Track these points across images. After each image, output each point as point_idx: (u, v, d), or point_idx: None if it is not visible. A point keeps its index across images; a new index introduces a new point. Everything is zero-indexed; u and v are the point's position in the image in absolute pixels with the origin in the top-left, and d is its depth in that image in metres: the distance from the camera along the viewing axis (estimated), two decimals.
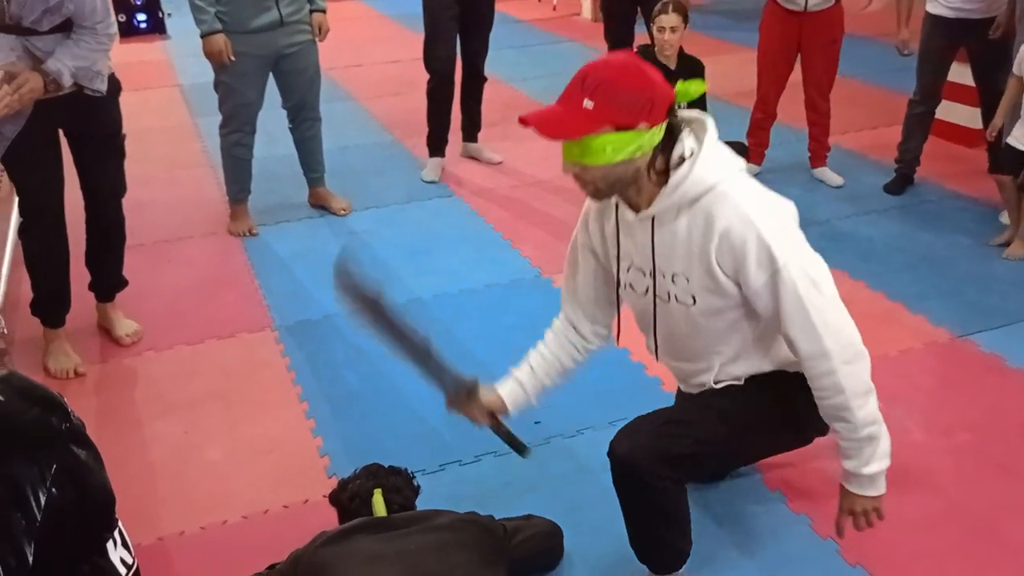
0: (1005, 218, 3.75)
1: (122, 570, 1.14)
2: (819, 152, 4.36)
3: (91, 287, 3.15)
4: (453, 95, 4.45)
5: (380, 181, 4.53)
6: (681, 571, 1.96)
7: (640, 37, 4.44)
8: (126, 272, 3.20)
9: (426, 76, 4.38)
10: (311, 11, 3.76)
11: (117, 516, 1.17)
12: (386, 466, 2.09)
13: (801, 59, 4.16)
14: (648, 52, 3.87)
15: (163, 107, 5.90)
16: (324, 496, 2.15)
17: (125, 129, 2.94)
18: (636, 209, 1.74)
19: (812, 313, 1.65)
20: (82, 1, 2.54)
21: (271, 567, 1.93)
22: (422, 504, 2.05)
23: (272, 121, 4.21)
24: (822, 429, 1.93)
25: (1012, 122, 3.49)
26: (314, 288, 3.50)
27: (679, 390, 2.08)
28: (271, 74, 3.79)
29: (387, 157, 4.90)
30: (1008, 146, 3.52)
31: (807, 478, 2.35)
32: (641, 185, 1.68)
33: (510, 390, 1.98)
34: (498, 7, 4.47)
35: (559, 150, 1.67)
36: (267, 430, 2.68)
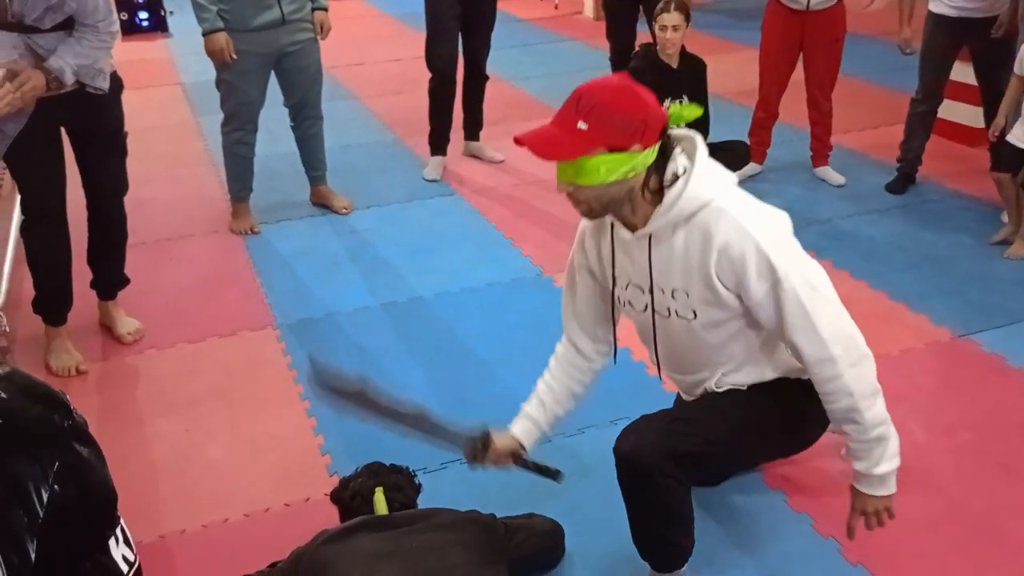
0: (1007, 217, 3.74)
1: (124, 567, 1.15)
2: (821, 151, 4.36)
3: (93, 285, 3.16)
4: (455, 94, 4.45)
5: (382, 180, 4.53)
6: (683, 569, 1.96)
7: (642, 36, 4.43)
8: (128, 270, 3.20)
9: (428, 75, 4.38)
10: (313, 9, 3.76)
11: (119, 513, 1.17)
12: (387, 464, 2.09)
13: (803, 58, 4.15)
14: (650, 51, 3.87)
15: (165, 105, 5.91)
16: (325, 494, 2.15)
17: (127, 127, 2.94)
18: (632, 228, 1.75)
19: (815, 319, 1.66)
20: None
21: (272, 565, 1.94)
22: (424, 503, 2.05)
23: (274, 119, 4.21)
24: (820, 433, 1.95)
25: (1014, 121, 3.49)
26: (315, 286, 3.51)
27: (679, 395, 2.09)
28: (273, 72, 3.79)
29: (389, 156, 4.90)
30: (1008, 144, 3.52)
31: (808, 477, 2.35)
32: (636, 204, 1.71)
33: (523, 427, 2.01)
34: (500, 6, 4.47)
35: None
36: (268, 428, 2.68)
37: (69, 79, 2.60)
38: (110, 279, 3.16)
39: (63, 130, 2.80)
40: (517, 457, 2.00)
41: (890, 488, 1.78)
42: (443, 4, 4.19)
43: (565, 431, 2.54)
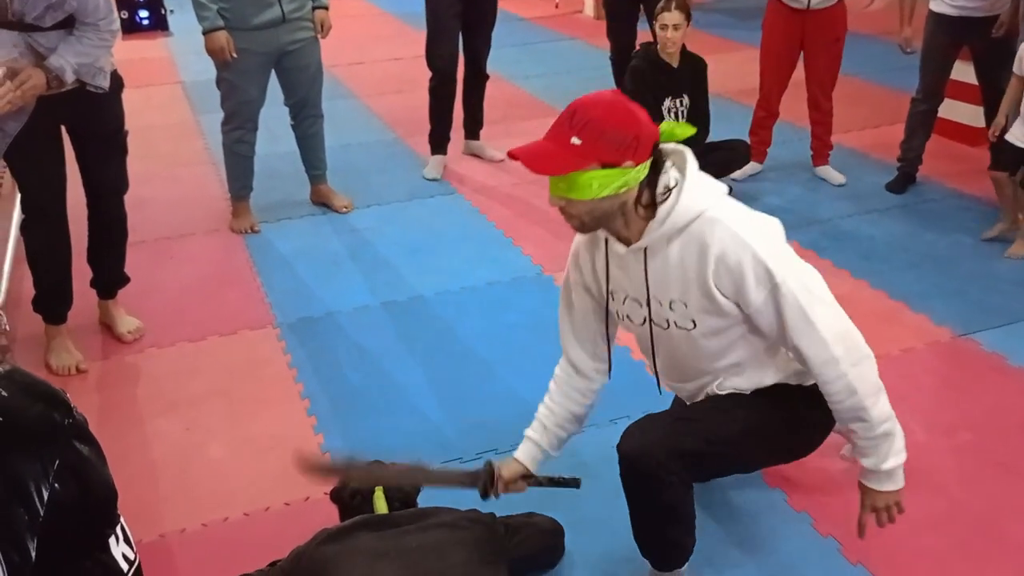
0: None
1: (124, 565, 1.15)
2: (821, 150, 4.35)
3: (93, 284, 3.16)
4: (455, 93, 4.45)
5: (382, 179, 4.53)
6: (683, 568, 1.96)
7: (642, 35, 4.43)
8: (128, 269, 3.20)
9: (428, 74, 4.38)
10: (313, 8, 3.76)
11: (119, 512, 1.17)
12: (387, 463, 2.09)
13: (804, 57, 4.15)
14: (650, 50, 3.87)
15: (165, 104, 5.90)
16: (325, 493, 2.15)
17: (127, 126, 2.94)
18: (625, 242, 1.77)
19: (816, 322, 1.68)
20: None
21: (272, 564, 1.93)
22: (423, 502, 2.05)
23: (274, 118, 4.20)
24: (822, 439, 1.96)
25: (1014, 120, 3.49)
26: (316, 285, 3.50)
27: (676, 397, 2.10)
28: (273, 71, 3.79)
29: (389, 155, 4.90)
30: (1007, 143, 3.52)
31: (808, 476, 2.35)
32: (629, 219, 1.72)
33: (526, 452, 2.03)
34: (500, 5, 4.47)
35: None
36: (269, 427, 2.68)
37: (69, 77, 2.59)
38: (110, 278, 3.16)
39: (63, 129, 2.80)
40: (528, 479, 2.03)
41: (898, 483, 1.80)
42: (444, 3, 4.19)
43: None
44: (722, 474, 2.09)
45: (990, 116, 3.75)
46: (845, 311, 1.76)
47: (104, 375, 2.98)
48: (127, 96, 2.91)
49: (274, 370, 2.97)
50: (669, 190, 1.70)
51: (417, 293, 3.41)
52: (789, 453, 2.00)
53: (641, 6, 4.58)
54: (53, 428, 1.05)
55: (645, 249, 1.75)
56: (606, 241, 1.81)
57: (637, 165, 1.64)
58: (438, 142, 4.52)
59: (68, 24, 2.58)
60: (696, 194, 1.70)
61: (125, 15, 7.58)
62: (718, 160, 4.05)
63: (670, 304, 1.78)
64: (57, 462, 1.03)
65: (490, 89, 4.62)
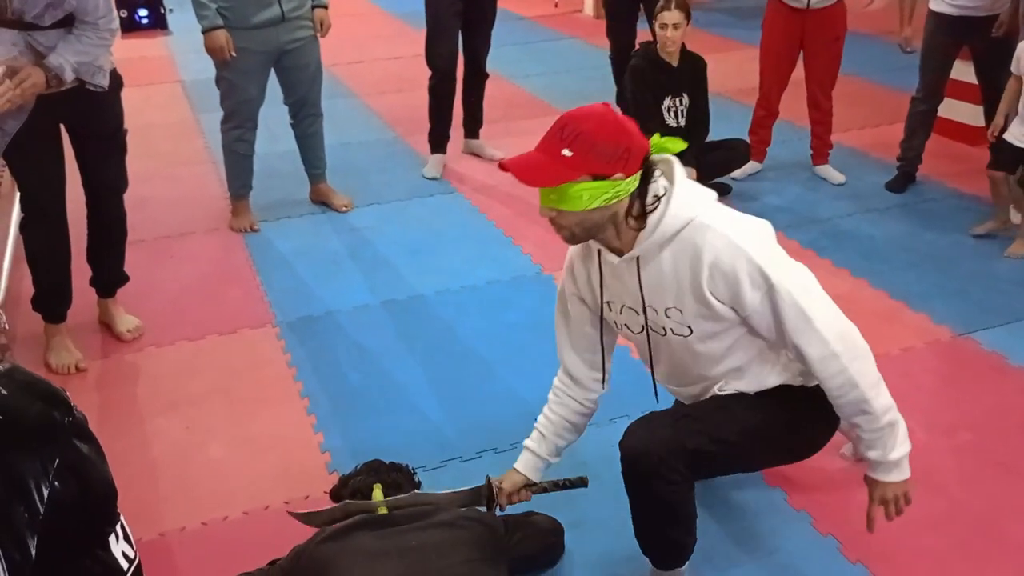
0: (1011, 216, 3.74)
1: (124, 564, 1.15)
2: (821, 150, 4.35)
3: (92, 283, 3.15)
4: (455, 92, 4.44)
5: (382, 178, 4.53)
6: (684, 567, 1.96)
7: (642, 34, 4.43)
8: (127, 268, 3.20)
9: (428, 73, 4.38)
10: (313, 7, 3.75)
11: (119, 510, 1.17)
12: (387, 462, 2.09)
13: (803, 57, 4.15)
14: (650, 49, 3.87)
15: (165, 103, 5.90)
16: (325, 492, 2.16)
17: (127, 125, 2.94)
18: (617, 253, 1.78)
19: (814, 319, 1.70)
20: None
21: (272, 563, 1.94)
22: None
23: (274, 117, 4.20)
24: (825, 439, 1.96)
25: (1012, 120, 3.49)
26: (315, 284, 3.50)
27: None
28: (273, 70, 3.79)
29: (389, 154, 4.90)
30: (1006, 143, 3.52)
31: (807, 475, 2.35)
32: (620, 229, 1.74)
33: (525, 462, 2.07)
34: (500, 4, 4.46)
35: None
36: (268, 426, 2.68)
37: (69, 76, 2.59)
38: (110, 277, 3.16)
39: (63, 127, 2.80)
40: (532, 487, 2.06)
41: (905, 472, 1.80)
42: (443, 2, 4.19)
43: None
44: (724, 473, 2.10)
45: (990, 115, 3.75)
46: (845, 311, 1.77)
47: (104, 374, 2.98)
48: (126, 95, 2.91)
49: (274, 369, 2.96)
50: (658, 199, 1.72)
51: (417, 292, 3.41)
52: (792, 453, 2.01)
53: (641, 5, 4.57)
54: (53, 426, 1.05)
55: (638, 258, 1.77)
56: (599, 252, 1.82)
57: (627, 177, 1.66)
58: (438, 141, 4.52)
59: (67, 23, 2.58)
60: (685, 201, 1.72)
61: (124, 14, 7.57)
62: (718, 159, 4.07)
63: (666, 311, 1.80)
64: (57, 460, 1.03)
65: (490, 88, 4.62)
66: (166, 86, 6.30)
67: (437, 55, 4.30)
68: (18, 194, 2.91)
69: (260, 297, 3.42)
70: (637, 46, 4.16)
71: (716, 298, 1.73)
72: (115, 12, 2.71)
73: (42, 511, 1.01)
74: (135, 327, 3.17)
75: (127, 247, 3.16)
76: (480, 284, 3.46)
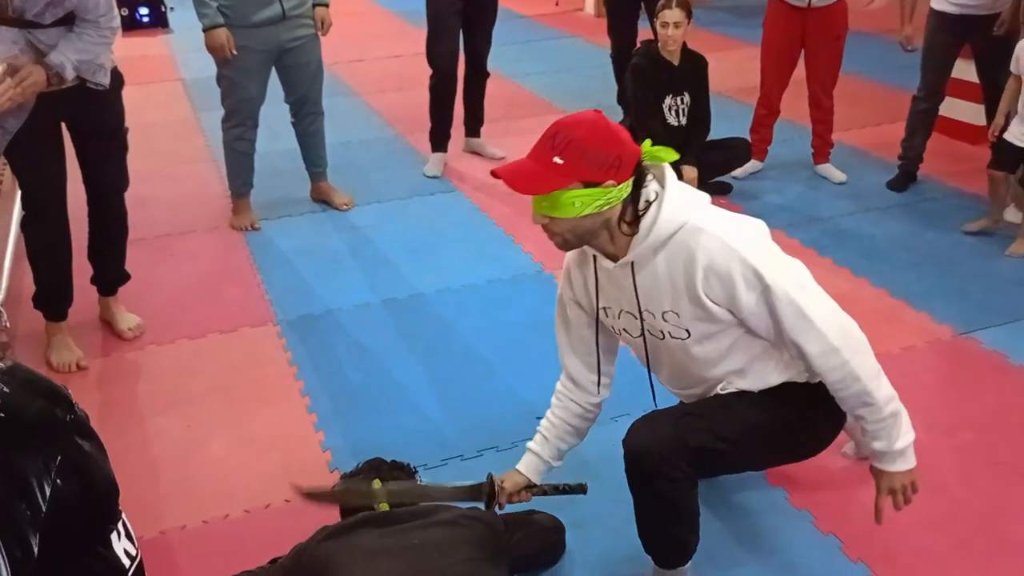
0: (1011, 214, 3.74)
1: (125, 561, 1.15)
2: (822, 149, 4.35)
3: (93, 281, 3.15)
4: (456, 90, 4.44)
5: (382, 176, 4.53)
6: (686, 566, 1.96)
7: (643, 33, 4.43)
8: (128, 266, 3.20)
9: (429, 71, 4.37)
10: (313, 5, 3.75)
11: (120, 508, 1.17)
12: (388, 461, 2.09)
13: (805, 55, 4.15)
14: (651, 48, 3.87)
15: (165, 101, 5.90)
16: None
17: (127, 123, 2.93)
18: (612, 258, 1.79)
19: (811, 315, 1.70)
20: None
21: (273, 561, 1.94)
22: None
23: (274, 116, 4.20)
24: (830, 438, 1.97)
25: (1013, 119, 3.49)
26: (316, 283, 3.50)
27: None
28: (273, 68, 3.79)
29: (389, 152, 4.90)
30: (1006, 142, 3.52)
31: (809, 474, 2.35)
32: (614, 236, 1.75)
33: (528, 463, 2.07)
34: (501, 2, 4.46)
35: None
36: (269, 425, 2.68)
37: (70, 75, 2.59)
38: (111, 275, 3.16)
39: (64, 126, 2.79)
40: (532, 489, 2.07)
41: (911, 461, 1.81)
42: (444, 1, 4.19)
43: None
44: (728, 471, 2.10)
45: (991, 114, 3.75)
46: (845, 310, 1.77)
47: (104, 372, 2.98)
48: (127, 93, 2.91)
49: (274, 368, 2.96)
50: (650, 204, 1.73)
51: (417, 291, 3.41)
52: (797, 451, 2.00)
53: (642, 4, 4.57)
54: (55, 424, 1.05)
55: (632, 263, 1.77)
56: (594, 258, 1.83)
57: (619, 184, 1.67)
58: (438, 140, 4.52)
59: (68, 21, 2.58)
60: (677, 205, 1.72)
61: (125, 12, 7.57)
62: (719, 158, 4.06)
63: (663, 315, 1.80)
64: (59, 458, 1.03)
65: (490, 87, 4.62)
66: (167, 84, 6.30)
67: (438, 54, 4.30)
68: (19, 192, 2.90)
69: (261, 295, 3.42)
70: (638, 45, 4.16)
71: (712, 300, 1.73)
72: (116, 10, 2.70)
73: (44, 508, 1.01)
74: (136, 325, 3.17)
75: (128, 245, 3.16)
76: (481, 283, 3.46)
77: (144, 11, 7.86)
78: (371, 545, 1.77)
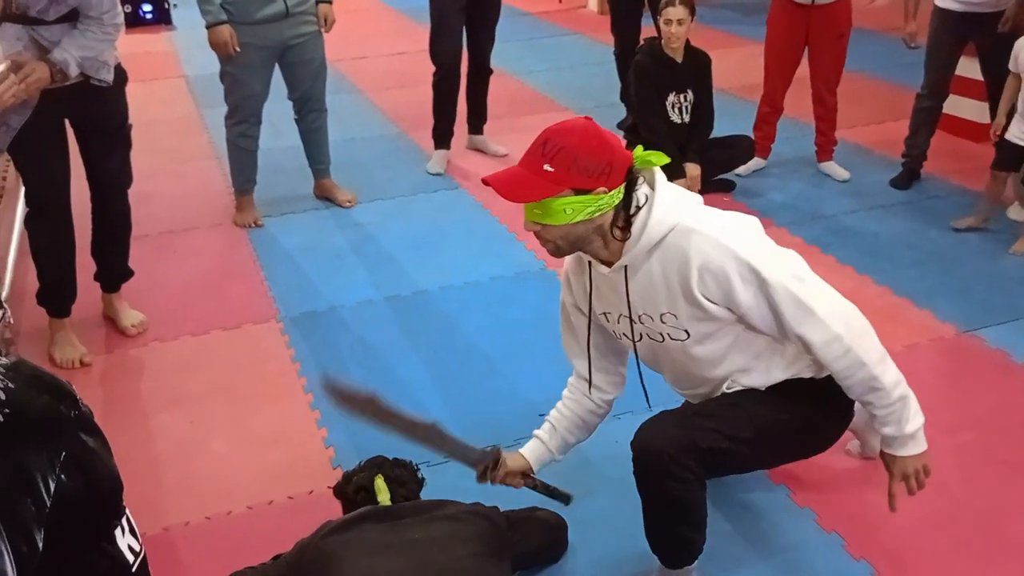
0: (1013, 213, 3.74)
1: (129, 557, 1.15)
2: (825, 146, 4.35)
3: (97, 277, 3.16)
4: (459, 88, 4.44)
5: (385, 173, 4.53)
6: (693, 565, 1.96)
7: (646, 30, 4.42)
8: (132, 263, 3.20)
9: (432, 68, 4.37)
10: (317, 2, 3.75)
11: (124, 504, 1.17)
12: (390, 458, 2.09)
13: (808, 53, 4.15)
14: (654, 45, 3.86)
15: (169, 98, 5.90)
16: (329, 487, 2.15)
17: (131, 120, 2.94)
18: (607, 264, 1.80)
19: (812, 305, 1.70)
20: None
21: (276, 557, 1.94)
22: (427, 496, 2.04)
23: (278, 113, 4.20)
24: (837, 434, 1.97)
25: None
26: (319, 280, 3.51)
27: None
28: (277, 65, 3.79)
29: (392, 149, 4.90)
30: (1007, 142, 3.51)
31: (812, 472, 2.35)
32: (607, 241, 1.76)
33: (532, 449, 2.07)
34: (504, 0, 4.46)
35: None
36: (272, 421, 2.68)
37: (73, 71, 2.59)
38: (114, 272, 3.16)
39: (67, 123, 2.80)
40: (527, 477, 2.07)
41: (921, 444, 1.81)
42: None
43: None
44: (737, 471, 2.08)
45: (995, 112, 3.74)
46: None
47: (108, 369, 2.98)
48: (130, 90, 2.91)
49: (277, 364, 2.97)
50: (640, 207, 1.73)
51: (420, 288, 3.41)
52: (805, 448, 2.00)
53: (645, 1, 4.57)
54: (59, 420, 1.05)
55: (626, 268, 1.78)
56: (589, 264, 1.84)
57: (611, 190, 1.68)
58: (441, 137, 4.52)
59: (72, 18, 2.58)
60: (667, 207, 1.73)
61: (128, 9, 7.57)
62: (722, 156, 4.06)
63: (661, 317, 1.81)
64: (64, 453, 1.03)
65: (493, 84, 4.61)
66: (170, 81, 6.30)
67: (441, 51, 4.30)
68: (23, 189, 2.91)
69: (264, 292, 3.42)
70: (641, 42, 4.16)
71: (709, 299, 1.73)
72: (119, 7, 2.71)
73: (49, 504, 1.01)
74: (139, 322, 3.17)
75: (131, 242, 3.17)
76: (483, 280, 3.46)
77: (147, 8, 7.87)
78: (373, 540, 1.77)
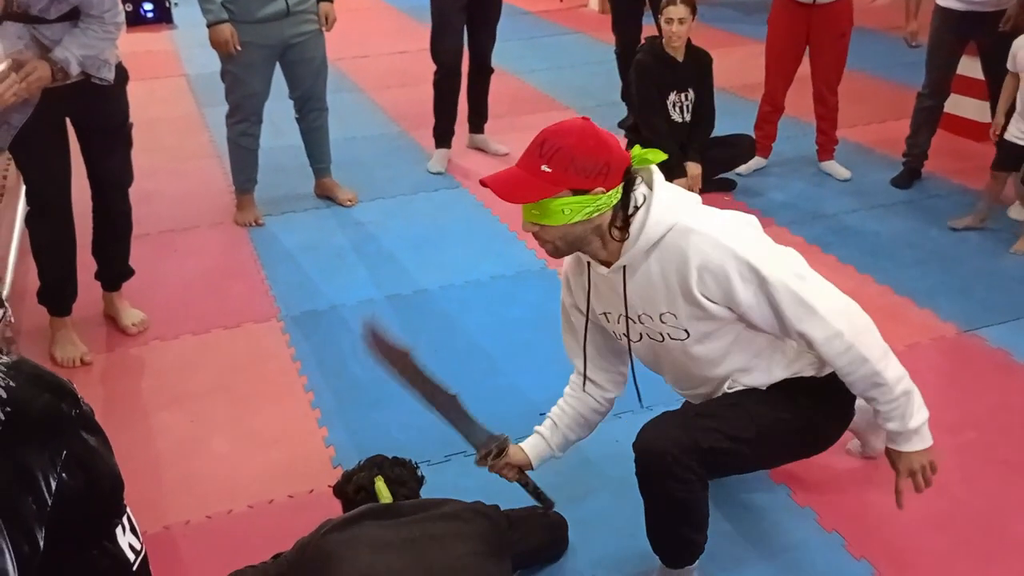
0: (1014, 212, 3.74)
1: (130, 555, 1.15)
2: (826, 145, 4.35)
3: (98, 276, 3.16)
4: (460, 87, 4.44)
5: (386, 172, 4.53)
6: (694, 565, 1.96)
7: (648, 29, 4.42)
8: (132, 262, 3.20)
9: (433, 67, 4.37)
10: (318, 1, 3.75)
11: (125, 502, 1.17)
12: (390, 457, 2.09)
13: (809, 52, 4.14)
14: (655, 44, 3.86)
15: (170, 97, 5.90)
16: (329, 486, 2.15)
17: (132, 119, 2.94)
18: (606, 264, 1.80)
19: (812, 302, 1.70)
20: None
21: (276, 556, 1.94)
22: (427, 495, 2.05)
23: (279, 112, 4.20)
24: (838, 434, 1.98)
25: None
26: (320, 279, 3.51)
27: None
28: (278, 64, 3.79)
29: (393, 148, 4.90)
30: (1006, 142, 3.51)
31: (812, 471, 2.34)
32: (605, 241, 1.76)
33: (533, 444, 2.08)
34: None
35: None
36: (273, 420, 2.68)
37: (74, 70, 2.59)
38: (115, 270, 3.16)
39: (68, 121, 2.80)
40: (522, 474, 2.08)
41: (927, 440, 1.81)
42: None
43: None
44: (739, 471, 2.08)
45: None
46: None
47: (108, 368, 2.99)
48: (131, 89, 2.91)
49: (278, 363, 2.97)
50: (638, 207, 1.73)
51: (421, 287, 3.41)
52: (807, 448, 2.00)
53: (647, 0, 4.57)
54: (60, 418, 1.05)
55: (624, 268, 1.77)
56: (588, 264, 1.84)
57: (608, 191, 1.67)
58: (442, 136, 4.52)
59: (73, 16, 2.58)
60: (665, 207, 1.72)
61: (129, 8, 7.57)
62: (723, 155, 4.06)
63: (660, 317, 1.81)
64: (64, 452, 1.03)
65: (494, 83, 4.61)
66: (171, 80, 6.30)
67: (442, 50, 4.30)
68: (24, 188, 2.91)
69: (265, 291, 3.42)
70: (643, 41, 4.15)
71: (708, 299, 1.73)
72: (120, 6, 2.71)
73: (50, 503, 1.01)
74: (140, 321, 3.17)
75: (132, 241, 3.17)
76: (484, 279, 3.46)
77: (148, 7, 7.88)
78: (374, 538, 1.77)
